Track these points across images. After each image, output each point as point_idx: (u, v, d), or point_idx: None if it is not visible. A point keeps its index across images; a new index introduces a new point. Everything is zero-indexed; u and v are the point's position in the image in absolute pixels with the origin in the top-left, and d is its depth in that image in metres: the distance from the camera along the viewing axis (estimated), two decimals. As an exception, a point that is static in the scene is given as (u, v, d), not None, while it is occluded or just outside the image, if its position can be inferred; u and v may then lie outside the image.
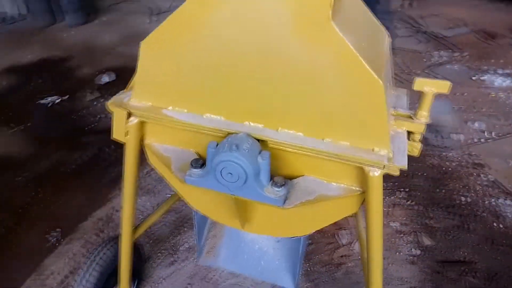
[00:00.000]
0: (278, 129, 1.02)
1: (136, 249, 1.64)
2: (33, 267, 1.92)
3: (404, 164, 0.94)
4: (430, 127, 2.90)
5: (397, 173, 0.94)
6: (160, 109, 1.06)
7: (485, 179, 2.50)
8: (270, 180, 0.99)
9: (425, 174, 2.55)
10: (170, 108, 1.06)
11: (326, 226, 1.17)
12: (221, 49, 0.94)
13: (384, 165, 0.94)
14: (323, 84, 0.92)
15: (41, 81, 3.45)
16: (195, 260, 1.88)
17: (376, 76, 0.87)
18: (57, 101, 3.14)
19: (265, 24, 0.88)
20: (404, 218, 2.27)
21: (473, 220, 2.23)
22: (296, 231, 1.18)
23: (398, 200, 2.38)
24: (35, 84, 3.37)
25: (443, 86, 0.99)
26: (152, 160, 1.16)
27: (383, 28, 1.12)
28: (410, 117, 1.05)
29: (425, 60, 3.86)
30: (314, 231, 1.16)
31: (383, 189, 2.58)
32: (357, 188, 1.03)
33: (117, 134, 1.10)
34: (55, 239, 2.08)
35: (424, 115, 1.03)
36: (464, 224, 2.20)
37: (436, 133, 2.87)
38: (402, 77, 3.66)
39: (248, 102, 1.00)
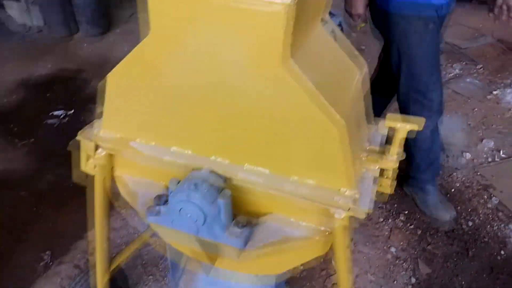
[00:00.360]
0: (244, 165, 0.99)
1: (121, 276, 1.64)
2: (25, 288, 1.94)
3: (370, 207, 0.90)
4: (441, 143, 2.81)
5: (363, 216, 0.90)
6: (128, 141, 1.05)
7: (492, 202, 2.40)
8: (233, 219, 0.96)
9: (427, 195, 2.47)
10: (137, 140, 1.05)
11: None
12: (182, 85, 0.93)
13: (349, 208, 0.90)
14: (282, 124, 0.89)
15: (50, 95, 3.51)
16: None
17: (337, 116, 0.83)
18: (65, 116, 3.19)
19: (222, 64, 0.86)
20: (403, 243, 2.20)
21: (474, 247, 2.13)
22: (267, 269, 1.14)
23: (398, 223, 2.31)
24: (45, 99, 3.43)
25: (417, 123, 0.95)
26: (123, 192, 1.15)
27: (361, 60, 1.08)
28: (383, 154, 1.01)
29: (444, 72, 3.74)
30: (285, 270, 1.13)
31: (383, 211, 2.50)
32: (326, 229, 0.99)
33: (84, 166, 1.10)
34: (49, 258, 2.09)
35: (397, 152, 0.98)
36: (465, 251, 2.11)
37: (446, 151, 2.77)
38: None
39: (213, 137, 0.98)
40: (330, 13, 1.73)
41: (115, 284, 1.57)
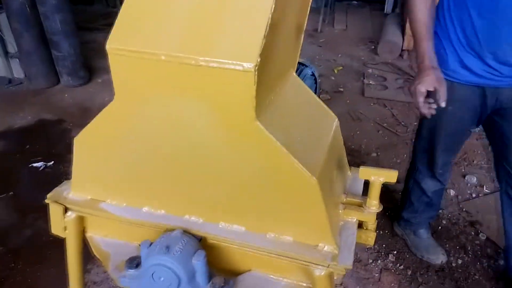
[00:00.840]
0: (219, 223, 0.96)
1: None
2: None
3: (349, 263, 0.87)
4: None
5: (343, 273, 0.87)
6: (98, 202, 1.02)
7: (480, 238, 2.38)
8: (209, 281, 0.92)
9: (415, 234, 2.44)
10: (108, 201, 1.02)
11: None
12: (151, 146, 0.91)
13: (328, 265, 0.87)
14: (256, 180, 0.87)
15: (30, 146, 3.45)
16: None
17: (308, 172, 0.82)
18: (44, 167, 3.13)
19: (190, 125, 0.85)
20: (394, 284, 2.14)
21: (466, 285, 2.09)
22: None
23: (388, 264, 2.26)
24: (24, 150, 3.37)
25: (391, 175, 0.94)
26: (95, 252, 1.10)
27: (330, 113, 1.08)
28: (361, 206, 0.99)
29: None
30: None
31: (372, 251, 2.45)
32: (307, 285, 0.96)
33: (55, 229, 1.05)
34: (24, 319, 1.98)
35: (374, 204, 0.97)
36: (456, 290, 2.07)
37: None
38: (398, 129, 3.61)
39: (185, 197, 0.96)
40: (303, 64, 1.77)
41: None
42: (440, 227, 2.48)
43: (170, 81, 0.82)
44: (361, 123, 3.71)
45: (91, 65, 4.73)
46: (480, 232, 2.40)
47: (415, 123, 3.65)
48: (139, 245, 1.05)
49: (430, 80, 1.32)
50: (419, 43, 1.39)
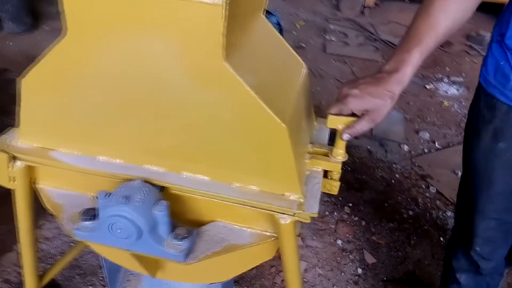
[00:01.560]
0: (181, 173, 0.92)
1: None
2: None
3: (315, 211, 0.86)
4: (379, 139, 2.89)
5: (308, 220, 0.87)
6: (49, 151, 0.94)
7: (430, 191, 2.50)
8: (171, 231, 0.89)
9: (370, 187, 2.53)
10: (59, 150, 0.94)
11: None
12: (108, 88, 0.83)
13: (294, 213, 0.86)
14: (223, 126, 0.83)
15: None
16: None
17: (277, 119, 0.79)
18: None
19: (152, 63, 0.78)
20: (349, 235, 2.23)
21: (416, 235, 2.22)
22: (212, 277, 1.09)
23: (343, 215, 2.35)
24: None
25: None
26: (47, 205, 1.03)
27: (299, 60, 1.04)
28: (327, 155, 0.98)
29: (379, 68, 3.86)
30: (232, 277, 1.07)
31: (329, 204, 2.52)
32: (272, 234, 0.95)
33: (1, 180, 0.97)
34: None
35: (340, 153, 0.96)
36: (407, 239, 2.19)
37: (385, 145, 2.85)
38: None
39: (145, 144, 0.90)
40: (268, 12, 1.68)
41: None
42: (393, 180, 2.58)
43: (132, 13, 0.74)
44: (322, 79, 3.71)
45: (38, 10, 4.34)
46: (431, 185, 2.52)
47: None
48: (95, 196, 0.99)
49: (370, 97, 0.84)
50: (412, 45, 0.88)
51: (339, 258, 2.11)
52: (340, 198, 2.46)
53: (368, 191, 2.52)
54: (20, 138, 0.94)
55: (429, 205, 2.40)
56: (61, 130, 0.91)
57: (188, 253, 0.89)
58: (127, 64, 0.80)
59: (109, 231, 0.85)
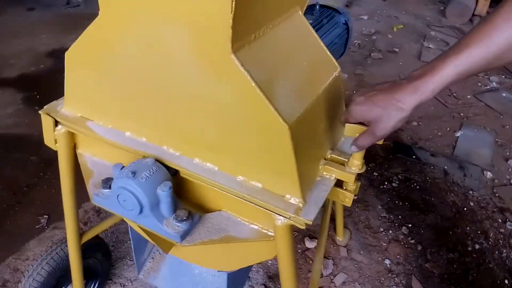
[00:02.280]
0: (194, 159, 0.95)
1: (101, 248, 1.66)
2: (18, 247, 2.01)
3: (311, 218, 0.83)
4: (460, 160, 2.64)
5: (302, 227, 0.84)
6: (86, 120, 1.04)
7: (506, 227, 2.22)
8: (174, 212, 0.93)
9: (437, 211, 2.33)
10: (95, 121, 1.03)
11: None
12: (133, 68, 0.89)
13: (289, 216, 0.84)
14: (229, 118, 0.83)
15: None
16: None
17: (279, 117, 0.77)
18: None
19: (168, 51, 0.82)
20: (400, 257, 2.08)
21: (477, 271, 1.99)
22: (216, 265, 1.11)
23: (399, 235, 2.19)
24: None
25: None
26: (82, 169, 1.14)
27: (333, 62, 1.00)
28: (344, 164, 0.93)
29: (479, 84, 3.50)
30: (237, 268, 1.08)
31: (386, 221, 2.38)
32: (273, 233, 0.94)
33: (47, 141, 1.09)
34: (45, 222, 2.16)
35: (356, 164, 0.90)
36: (465, 274, 1.97)
37: (465, 169, 2.59)
38: (447, 100, 3.36)
39: (165, 126, 0.94)
40: (336, 10, 1.63)
41: (94, 253, 1.59)
42: (465, 209, 2.34)
43: (152, 0, 0.78)
44: (408, 88, 3.46)
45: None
46: (508, 220, 2.23)
47: (469, 96, 3.37)
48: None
49: (372, 106, 0.75)
50: (451, 53, 0.72)
51: (383, 279, 1.99)
52: (400, 217, 2.30)
53: (433, 214, 2.32)
54: (65, 106, 1.05)
55: (501, 242, 2.13)
56: (96, 102, 1.00)
57: (185, 235, 0.92)
58: (147, 48, 0.84)
59: (118, 201, 0.91)
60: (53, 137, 1.07)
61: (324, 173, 0.93)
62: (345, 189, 0.95)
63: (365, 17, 4.49)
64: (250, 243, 0.96)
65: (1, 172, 2.47)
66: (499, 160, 2.66)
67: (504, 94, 3.30)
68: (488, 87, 3.42)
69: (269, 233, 0.94)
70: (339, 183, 0.95)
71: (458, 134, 2.92)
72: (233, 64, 0.76)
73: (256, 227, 0.95)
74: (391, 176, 2.52)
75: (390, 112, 0.72)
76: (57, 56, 3.69)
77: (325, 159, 0.96)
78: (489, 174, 2.54)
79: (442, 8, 4.48)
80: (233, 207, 0.97)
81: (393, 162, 2.64)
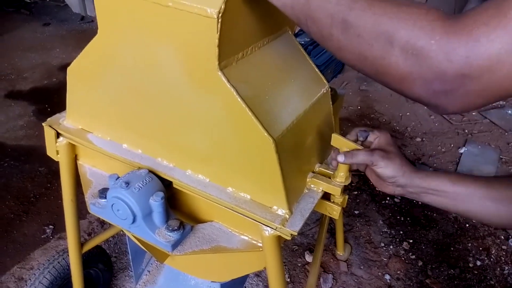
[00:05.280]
0: (187, 171, 0.98)
1: (102, 258, 1.69)
2: (23, 257, 2.06)
3: (296, 229, 0.85)
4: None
5: (288, 237, 0.86)
6: (87, 133, 1.09)
7: (508, 244, 2.20)
8: (166, 222, 0.96)
9: (438, 227, 2.32)
10: (95, 133, 1.08)
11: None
12: (129, 84, 0.94)
13: (276, 227, 0.86)
14: (218, 132, 0.87)
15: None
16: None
17: (264, 131, 0.80)
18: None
19: (162, 68, 0.86)
20: (400, 272, 2.08)
21: (478, 289, 1.97)
22: (209, 275, 1.13)
23: (399, 251, 2.19)
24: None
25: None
26: (82, 180, 1.18)
27: (321, 79, 1.03)
28: (331, 178, 0.96)
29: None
30: (229, 279, 1.10)
31: (386, 236, 2.37)
32: (261, 244, 0.96)
33: (49, 152, 1.14)
34: (50, 232, 2.21)
35: (341, 176, 0.93)
36: (466, 292, 1.96)
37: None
38: (452, 117, 3.37)
39: (158, 139, 0.98)
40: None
41: (95, 263, 1.63)
42: (467, 225, 2.33)
43: (144, 20, 0.83)
44: (414, 105, 3.50)
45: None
46: (511, 237, 2.22)
47: (474, 113, 3.37)
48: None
49: (386, 158, 0.85)
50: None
51: (382, 294, 1.98)
52: (401, 232, 2.30)
53: (435, 230, 2.31)
54: (66, 119, 1.10)
55: (502, 259, 2.11)
56: (96, 115, 1.05)
57: (176, 245, 0.95)
58: (141, 65, 0.89)
59: (112, 210, 0.95)
60: (55, 148, 1.12)
61: (312, 185, 0.96)
62: (333, 202, 0.97)
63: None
64: (240, 254, 0.99)
65: (10, 182, 2.53)
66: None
67: (509, 111, 3.29)
68: (493, 104, 3.41)
69: (258, 244, 0.96)
70: (327, 196, 0.98)
71: (462, 150, 2.92)
72: (220, 81, 0.80)
73: (246, 237, 0.97)
74: (393, 191, 2.52)
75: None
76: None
77: (313, 172, 0.99)
78: (492, 191, 2.52)
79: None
80: (224, 218, 1.00)
81: (395, 178, 2.64)
